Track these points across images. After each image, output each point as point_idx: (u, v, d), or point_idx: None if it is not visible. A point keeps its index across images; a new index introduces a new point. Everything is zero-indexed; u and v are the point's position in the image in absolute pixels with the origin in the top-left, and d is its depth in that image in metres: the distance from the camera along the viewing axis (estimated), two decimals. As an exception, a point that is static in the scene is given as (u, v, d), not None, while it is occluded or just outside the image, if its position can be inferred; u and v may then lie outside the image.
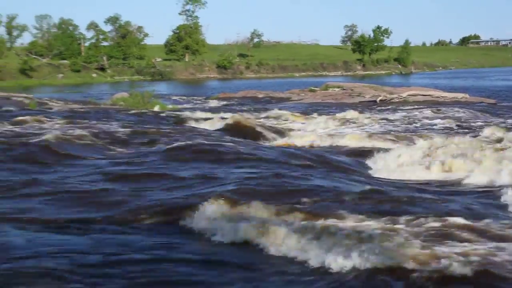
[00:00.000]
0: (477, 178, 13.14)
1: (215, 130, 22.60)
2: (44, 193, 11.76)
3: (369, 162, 15.91)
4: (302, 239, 8.16)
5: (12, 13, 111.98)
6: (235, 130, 21.99)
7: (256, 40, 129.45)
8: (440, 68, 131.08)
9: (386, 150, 17.12)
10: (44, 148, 16.83)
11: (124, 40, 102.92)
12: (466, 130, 21.48)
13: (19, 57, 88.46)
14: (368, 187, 11.88)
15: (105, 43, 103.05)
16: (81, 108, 33.72)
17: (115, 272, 7.46)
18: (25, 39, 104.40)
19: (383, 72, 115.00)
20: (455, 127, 22.84)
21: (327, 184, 11.84)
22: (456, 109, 29.99)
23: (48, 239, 8.84)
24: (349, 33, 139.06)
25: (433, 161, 14.75)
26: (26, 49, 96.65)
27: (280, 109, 30.35)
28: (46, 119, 24.90)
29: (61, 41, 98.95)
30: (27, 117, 25.01)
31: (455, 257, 7.06)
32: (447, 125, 23.50)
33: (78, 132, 20.32)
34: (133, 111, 30.69)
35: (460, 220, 8.79)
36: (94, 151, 17.15)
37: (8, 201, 11.31)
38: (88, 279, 7.15)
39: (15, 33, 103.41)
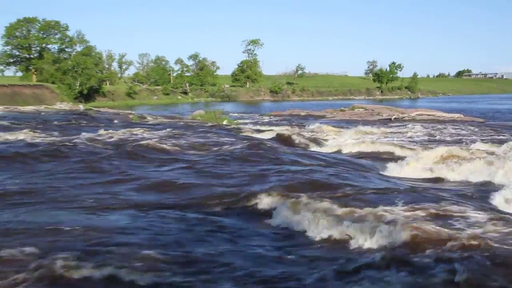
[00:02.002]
0: (469, 177, 13.10)
1: (268, 139, 22.71)
2: (139, 182, 12.07)
3: (384, 164, 15.69)
4: (336, 222, 8.08)
5: (122, 52, 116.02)
6: (281, 139, 22.25)
7: (300, 72, 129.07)
8: (441, 94, 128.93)
9: (397, 155, 17.16)
10: (142, 150, 17.31)
11: (202, 71, 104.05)
12: (460, 141, 21.29)
13: (126, 84, 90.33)
14: (383, 182, 12.00)
15: (187, 74, 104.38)
16: (169, 121, 34.40)
17: (195, 243, 7.49)
18: (131, 70, 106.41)
19: (397, 96, 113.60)
20: (452, 139, 22.69)
21: (352, 180, 11.74)
22: (453, 125, 29.71)
23: (138, 217, 8.98)
24: (371, 67, 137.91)
25: (434, 165, 14.52)
26: (131, 78, 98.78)
27: (317, 124, 30.40)
28: (144, 129, 25.84)
29: (156, 72, 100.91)
30: (130, 129, 25.92)
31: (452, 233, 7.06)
32: (445, 138, 23.38)
33: (166, 138, 21.03)
34: (207, 124, 31.13)
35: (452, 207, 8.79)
36: (177, 153, 17.42)
37: (122, 186, 11.67)
38: (173, 249, 7.17)
39: (124, 66, 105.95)
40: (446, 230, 7.26)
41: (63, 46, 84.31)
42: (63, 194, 10.70)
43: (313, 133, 25.75)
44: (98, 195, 10.69)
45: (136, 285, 5.88)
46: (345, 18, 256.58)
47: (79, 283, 5.89)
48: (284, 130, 25.04)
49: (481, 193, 11.03)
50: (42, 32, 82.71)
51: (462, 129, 27.42)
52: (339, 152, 19.43)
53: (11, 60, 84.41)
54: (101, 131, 23.52)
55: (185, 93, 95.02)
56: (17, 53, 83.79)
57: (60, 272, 6.03)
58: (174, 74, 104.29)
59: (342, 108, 47.10)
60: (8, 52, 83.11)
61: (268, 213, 9.36)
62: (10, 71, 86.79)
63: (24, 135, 22.15)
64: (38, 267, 6.13)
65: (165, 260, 6.64)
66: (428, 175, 13.99)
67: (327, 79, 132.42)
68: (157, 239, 7.62)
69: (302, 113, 44.74)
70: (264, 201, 9.82)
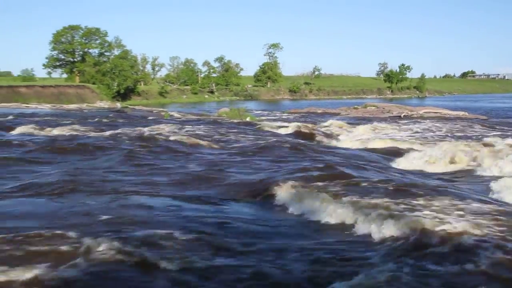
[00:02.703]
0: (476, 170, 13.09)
1: (287, 134, 22.84)
2: (169, 172, 12.18)
3: (393, 158, 15.60)
4: (350, 212, 8.01)
5: (155, 55, 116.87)
6: (299, 134, 22.30)
7: (316, 72, 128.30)
8: (447, 93, 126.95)
9: (406, 150, 17.00)
10: (173, 144, 17.46)
11: (227, 73, 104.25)
12: (465, 137, 21.10)
13: (158, 84, 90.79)
14: (392, 175, 11.82)
15: (214, 75, 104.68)
16: (198, 118, 34.52)
17: (226, 230, 7.51)
18: (163, 72, 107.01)
19: (405, 96, 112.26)
20: (457, 135, 22.51)
21: (365, 172, 11.62)
22: (458, 122, 29.29)
23: (174, 205, 9.02)
24: (382, 68, 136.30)
25: (440, 158, 14.42)
26: (163, 79, 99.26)
27: (332, 120, 30.23)
28: (175, 125, 26.14)
29: (185, 73, 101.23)
30: (163, 124, 26.23)
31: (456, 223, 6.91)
32: (452, 134, 23.20)
33: (194, 133, 21.25)
34: (232, 121, 31.20)
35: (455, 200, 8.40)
36: (204, 147, 17.47)
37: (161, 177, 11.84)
38: (207, 234, 7.19)
39: (156, 68, 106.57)
40: (462, 221, 7.10)
41: (103, 51, 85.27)
42: (107, 183, 10.90)
43: (328, 129, 25.68)
44: (136, 183, 10.88)
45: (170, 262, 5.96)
46: (359, 22, 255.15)
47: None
48: (302, 126, 25.05)
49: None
50: (84, 38, 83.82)
51: (466, 126, 27.10)
52: (352, 146, 19.34)
53: (58, 64, 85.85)
54: (137, 127, 23.87)
55: (212, 92, 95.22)
56: (63, 57, 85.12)
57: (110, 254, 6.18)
58: (202, 75, 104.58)
59: (355, 106, 46.77)
60: (55, 56, 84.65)
61: (287, 201, 9.32)
62: (56, 73, 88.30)
63: (68, 130, 22.65)
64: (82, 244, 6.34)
65: (195, 241, 6.75)
66: (434, 168, 13.88)
67: (342, 79, 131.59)
68: (185, 222, 7.74)
69: (319, 111, 44.55)
70: (284, 190, 9.74)
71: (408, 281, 5.31)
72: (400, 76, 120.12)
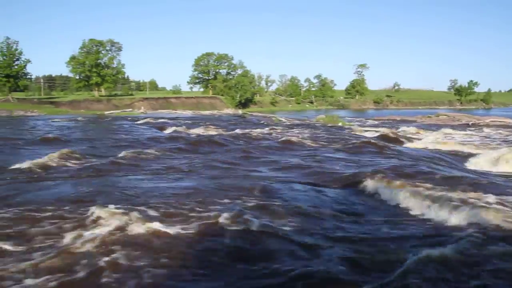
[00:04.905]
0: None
1: (372, 137, 21.84)
2: (274, 164, 12.04)
3: (463, 159, 14.34)
4: (427, 200, 7.45)
5: (268, 74, 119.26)
6: (382, 137, 21.23)
7: (396, 87, 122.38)
8: (511, 105, 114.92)
9: (475, 152, 15.54)
10: (285, 142, 17.28)
11: (323, 87, 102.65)
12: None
13: (270, 96, 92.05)
14: (463, 173, 10.94)
15: (313, 89, 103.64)
16: (300, 122, 34.29)
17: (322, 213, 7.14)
18: (273, 87, 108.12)
19: (473, 107, 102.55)
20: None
21: (439, 170, 10.76)
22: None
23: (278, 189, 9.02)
24: (452, 84, 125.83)
25: (503, 160, 12.92)
26: (274, 92, 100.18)
27: (409, 126, 28.60)
28: (282, 127, 26.08)
29: (291, 88, 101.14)
30: (274, 127, 26.32)
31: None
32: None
33: (297, 134, 21.04)
34: (327, 125, 30.59)
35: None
36: (305, 144, 17.08)
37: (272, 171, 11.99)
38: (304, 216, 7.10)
39: (268, 84, 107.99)
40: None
41: (229, 70, 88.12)
42: (226, 170, 11.07)
43: (406, 133, 24.25)
44: (247, 171, 10.95)
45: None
46: (432, 43, 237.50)
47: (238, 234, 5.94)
48: (385, 130, 23.83)
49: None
50: (216, 62, 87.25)
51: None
52: (427, 148, 17.99)
53: (197, 81, 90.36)
54: (253, 129, 24.13)
55: (311, 102, 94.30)
56: (201, 76, 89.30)
57: (225, 221, 6.16)
58: (304, 89, 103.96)
59: (429, 115, 43.75)
60: (195, 75, 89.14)
61: (374, 190, 8.80)
62: (196, 88, 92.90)
63: (204, 130, 23.48)
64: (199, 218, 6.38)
65: (302, 213, 6.59)
66: (500, 168, 12.46)
67: (417, 93, 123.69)
68: (290, 201, 7.57)
69: (398, 118, 42.31)
70: (370, 183, 9.21)
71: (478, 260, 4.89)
72: (469, 90, 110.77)
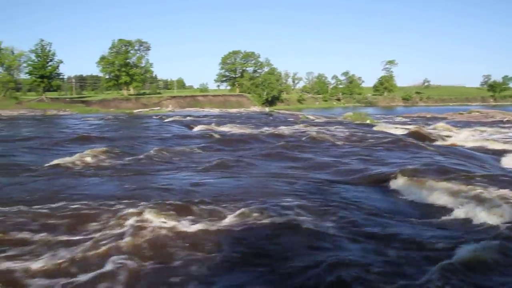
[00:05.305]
0: None
1: (401, 134, 21.54)
2: (306, 164, 12.02)
3: (496, 157, 13.82)
4: (455, 198, 7.44)
5: (294, 71, 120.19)
6: (411, 134, 20.88)
7: (426, 84, 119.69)
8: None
9: (509, 150, 15.02)
10: (312, 140, 17.38)
11: (351, 84, 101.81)
12: None
13: (297, 93, 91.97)
14: (495, 170, 10.71)
15: (340, 86, 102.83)
16: (327, 120, 33.97)
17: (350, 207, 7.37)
18: (300, 84, 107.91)
19: (507, 103, 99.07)
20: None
21: (471, 168, 10.59)
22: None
23: (296, 183, 9.16)
24: (486, 79, 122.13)
25: None
26: (300, 89, 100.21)
27: (440, 123, 28.00)
28: (309, 125, 26.18)
29: (318, 85, 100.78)
30: (301, 124, 26.40)
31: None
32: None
33: (325, 132, 21.08)
34: (355, 123, 30.25)
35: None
36: (333, 142, 16.98)
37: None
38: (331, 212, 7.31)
39: (295, 81, 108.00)
40: None
41: (256, 68, 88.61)
42: (256, 167, 11.29)
43: (436, 131, 23.74)
44: (278, 168, 11.09)
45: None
46: (464, 39, 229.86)
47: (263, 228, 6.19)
48: (414, 127, 23.47)
49: None
50: (243, 60, 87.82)
51: None
52: (459, 146, 17.54)
53: (224, 79, 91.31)
54: (279, 126, 24.29)
55: (338, 100, 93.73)
56: (228, 74, 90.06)
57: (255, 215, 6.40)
58: (331, 86, 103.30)
59: (461, 112, 42.41)
60: (222, 74, 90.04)
61: (403, 190, 8.75)
62: (223, 86, 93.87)
63: (231, 128, 23.84)
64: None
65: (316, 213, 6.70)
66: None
67: (448, 89, 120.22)
68: (321, 197, 7.70)
69: (428, 115, 41.25)
70: (401, 181, 9.15)
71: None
72: (503, 86, 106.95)
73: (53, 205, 6.91)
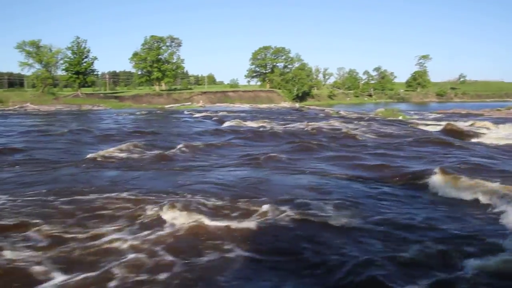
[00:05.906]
0: None
1: (435, 131, 21.19)
2: (338, 161, 12.07)
3: None
4: (494, 197, 7.30)
5: (325, 67, 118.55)
6: (446, 131, 20.54)
7: (461, 79, 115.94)
8: None
9: None
10: (343, 136, 17.40)
11: (383, 80, 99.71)
12: None
13: (328, 89, 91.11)
14: None
15: (372, 81, 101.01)
16: (358, 116, 33.35)
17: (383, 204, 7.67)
18: (331, 80, 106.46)
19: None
20: None
21: (504, 166, 10.39)
22: None
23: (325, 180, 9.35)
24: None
25: None
26: (331, 85, 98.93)
27: (476, 120, 27.16)
28: (340, 121, 26.12)
29: (349, 81, 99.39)
30: (332, 120, 26.32)
31: None
32: None
33: (356, 128, 20.82)
34: (387, 119, 29.72)
35: None
36: (364, 139, 16.82)
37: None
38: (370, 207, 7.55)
39: (326, 77, 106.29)
40: None
41: (287, 64, 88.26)
42: (289, 163, 11.41)
43: (472, 128, 23.12)
44: (309, 165, 11.14)
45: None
46: (505, 31, 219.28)
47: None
48: (448, 124, 22.94)
49: None
50: (273, 55, 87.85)
51: None
52: (496, 144, 16.87)
53: (254, 74, 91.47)
54: (310, 122, 24.30)
55: (370, 95, 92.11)
56: (258, 70, 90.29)
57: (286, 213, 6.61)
58: (362, 82, 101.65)
59: (498, 108, 40.94)
60: (253, 69, 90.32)
61: (437, 186, 8.61)
62: (253, 81, 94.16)
63: (262, 123, 24.07)
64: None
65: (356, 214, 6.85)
66: None
67: (485, 84, 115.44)
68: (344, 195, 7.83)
69: (463, 112, 39.92)
70: (436, 179, 8.93)
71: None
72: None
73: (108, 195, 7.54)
